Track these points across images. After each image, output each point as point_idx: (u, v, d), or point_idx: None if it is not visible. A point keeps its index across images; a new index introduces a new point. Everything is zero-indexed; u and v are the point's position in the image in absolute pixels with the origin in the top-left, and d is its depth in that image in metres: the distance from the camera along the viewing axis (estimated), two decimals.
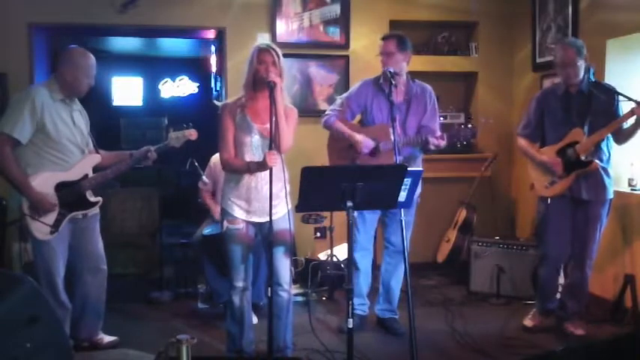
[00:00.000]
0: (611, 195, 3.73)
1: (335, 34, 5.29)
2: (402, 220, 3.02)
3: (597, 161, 3.62)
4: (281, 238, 3.09)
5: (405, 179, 2.86)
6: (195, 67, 9.33)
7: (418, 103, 3.81)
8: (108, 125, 8.11)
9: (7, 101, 3.89)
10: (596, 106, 3.62)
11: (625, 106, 3.57)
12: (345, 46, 5.30)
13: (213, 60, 6.86)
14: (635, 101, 3.46)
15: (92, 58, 3.43)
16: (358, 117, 3.99)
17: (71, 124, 3.40)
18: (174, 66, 9.78)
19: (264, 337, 3.11)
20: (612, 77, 4.19)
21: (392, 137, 3.20)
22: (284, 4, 5.18)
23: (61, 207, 3.34)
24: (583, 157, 3.62)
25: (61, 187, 3.34)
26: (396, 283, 3.97)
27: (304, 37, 5.25)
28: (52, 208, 3.30)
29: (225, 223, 3.17)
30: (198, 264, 4.37)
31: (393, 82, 3.39)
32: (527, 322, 4.00)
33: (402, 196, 2.94)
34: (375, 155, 3.73)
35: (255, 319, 3.82)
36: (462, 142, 3.70)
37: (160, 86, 10.00)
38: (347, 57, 5.31)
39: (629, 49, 4.27)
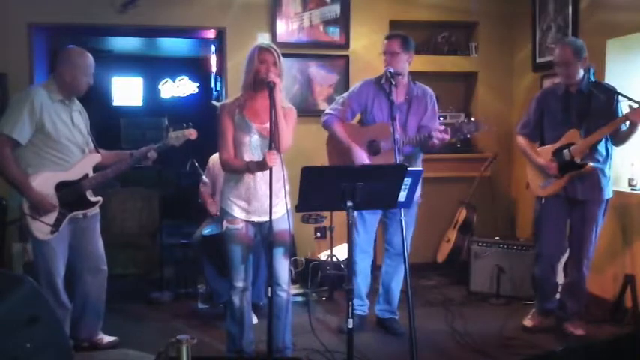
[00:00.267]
0: (607, 195, 3.73)
1: (335, 34, 5.29)
2: (402, 220, 3.03)
3: (591, 164, 3.62)
4: (280, 239, 3.09)
5: (405, 179, 2.86)
6: (195, 67, 9.33)
7: (419, 103, 3.82)
8: (108, 125, 8.12)
9: (7, 101, 3.89)
10: (596, 107, 3.63)
11: (625, 107, 3.57)
12: (345, 46, 5.30)
13: (213, 60, 6.86)
14: (636, 101, 3.46)
15: (90, 57, 3.44)
16: (358, 117, 3.99)
17: (70, 124, 3.40)
18: (174, 66, 9.79)
19: (264, 337, 3.11)
20: (612, 77, 4.19)
21: (392, 136, 3.20)
22: (284, 4, 5.18)
23: (61, 207, 3.34)
24: (577, 160, 3.63)
25: (61, 187, 3.34)
26: (397, 284, 3.97)
27: (304, 37, 5.25)
28: (52, 208, 3.30)
29: (225, 223, 3.17)
30: (198, 264, 4.37)
31: (393, 82, 3.40)
32: (527, 322, 4.00)
33: (402, 196, 2.94)
34: (375, 154, 3.74)
35: (255, 319, 3.82)
36: (466, 135, 3.68)
37: (160, 86, 10.01)
38: (347, 57, 5.31)
39: (629, 49, 4.27)
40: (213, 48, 6.74)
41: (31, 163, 3.30)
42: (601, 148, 3.68)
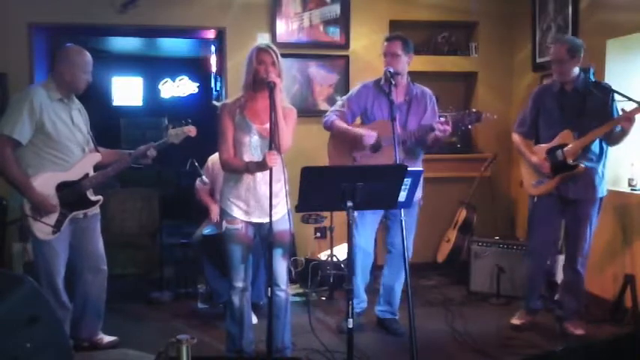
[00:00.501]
0: (601, 194, 3.74)
1: (335, 34, 5.29)
2: (402, 220, 3.03)
3: (583, 165, 3.63)
4: (280, 239, 3.08)
5: (405, 179, 2.86)
6: (195, 67, 9.33)
7: (418, 103, 3.83)
8: (108, 125, 8.12)
9: (7, 101, 3.89)
10: (592, 107, 3.63)
11: (625, 107, 3.57)
12: (345, 46, 5.30)
13: (213, 60, 6.85)
14: (636, 101, 3.46)
15: (88, 55, 3.45)
16: (358, 120, 3.99)
17: (70, 123, 3.40)
18: (174, 66, 9.79)
19: (263, 337, 3.10)
20: (612, 77, 4.19)
21: (393, 136, 3.20)
22: (284, 4, 5.18)
23: (62, 207, 3.34)
24: (570, 161, 3.63)
25: (62, 187, 3.34)
26: (398, 285, 3.97)
27: (304, 37, 5.25)
28: (53, 209, 3.30)
29: (225, 224, 3.17)
30: (198, 264, 4.37)
31: (393, 82, 3.42)
32: (515, 320, 4.01)
33: (402, 196, 2.94)
34: (376, 150, 3.74)
35: (254, 319, 3.82)
36: (467, 126, 3.68)
37: (160, 86, 10.01)
38: (347, 57, 5.31)
39: (629, 49, 4.27)
40: (213, 48, 6.73)
41: (31, 163, 3.29)
42: (594, 147, 3.68)
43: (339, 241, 4.81)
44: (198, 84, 9.76)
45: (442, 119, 3.62)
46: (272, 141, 2.92)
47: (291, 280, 4.31)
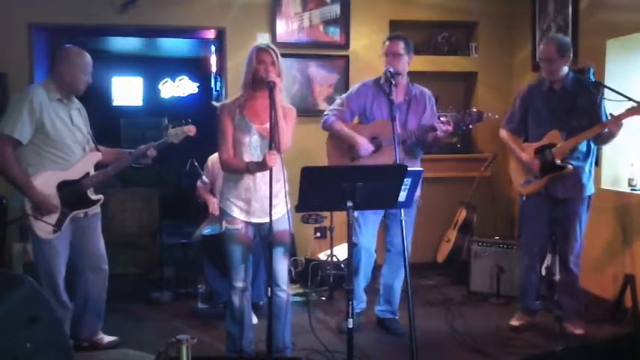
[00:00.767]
0: (589, 192, 3.76)
1: (335, 34, 5.29)
2: (402, 220, 3.03)
3: (571, 165, 3.63)
4: (280, 239, 3.08)
5: (405, 179, 2.86)
6: (195, 67, 9.33)
7: (418, 103, 3.83)
8: (108, 125, 8.11)
9: (7, 101, 3.89)
10: (581, 105, 3.64)
11: (624, 107, 3.55)
12: (345, 46, 5.30)
13: (213, 60, 6.86)
14: (636, 101, 3.46)
15: (88, 56, 3.45)
16: (356, 119, 3.99)
17: (70, 122, 3.41)
18: (174, 66, 9.79)
19: (263, 337, 3.10)
20: (612, 77, 4.18)
21: (392, 133, 3.20)
22: (284, 4, 5.18)
23: (63, 206, 3.34)
24: (558, 162, 3.63)
25: (62, 187, 3.35)
26: (398, 284, 3.97)
27: (304, 37, 5.25)
28: (54, 208, 3.30)
29: (225, 224, 3.17)
30: (198, 264, 4.37)
31: (393, 82, 3.42)
32: (514, 322, 4.01)
33: (402, 196, 2.94)
34: (376, 150, 3.74)
35: (255, 319, 3.82)
36: (468, 126, 3.69)
37: (160, 86, 10.01)
38: (347, 57, 5.31)
39: (629, 49, 4.26)
40: (213, 48, 6.73)
41: (32, 163, 3.30)
42: (581, 145, 3.69)
43: (339, 241, 4.81)
44: (198, 84, 9.76)
45: (443, 119, 3.63)
46: (272, 141, 2.92)
47: (291, 280, 4.30)
